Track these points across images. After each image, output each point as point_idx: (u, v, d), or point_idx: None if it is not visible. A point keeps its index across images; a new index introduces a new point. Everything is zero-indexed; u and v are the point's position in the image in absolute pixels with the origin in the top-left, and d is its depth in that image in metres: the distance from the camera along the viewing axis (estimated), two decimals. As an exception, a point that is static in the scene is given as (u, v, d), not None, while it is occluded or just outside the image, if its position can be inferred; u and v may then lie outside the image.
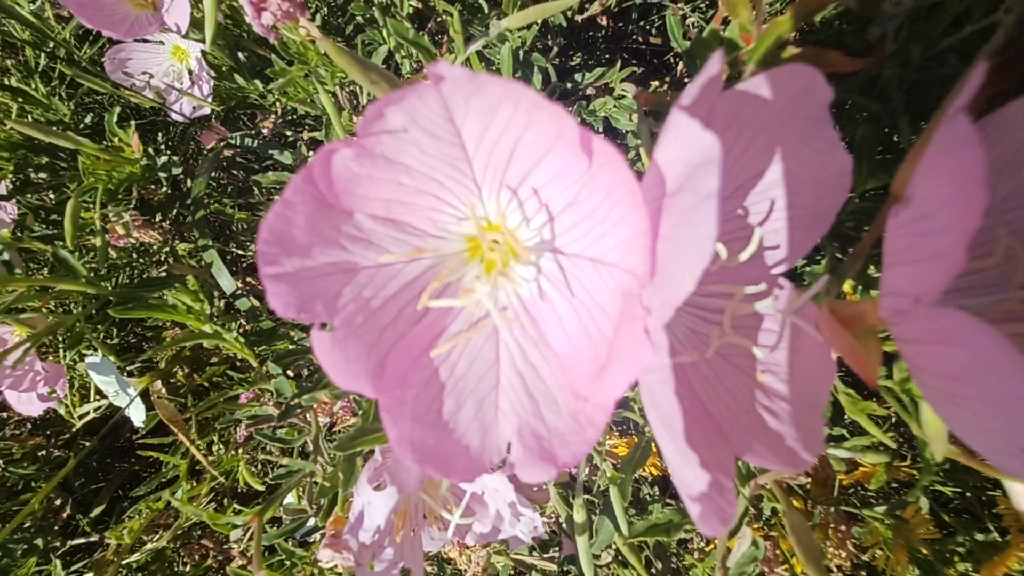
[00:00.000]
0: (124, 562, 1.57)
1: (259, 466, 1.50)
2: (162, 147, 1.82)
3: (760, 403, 0.50)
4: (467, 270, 0.49)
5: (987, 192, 0.30)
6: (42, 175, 1.61)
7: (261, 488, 0.99)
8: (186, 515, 1.02)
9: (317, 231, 0.40)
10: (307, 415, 0.82)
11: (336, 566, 0.72)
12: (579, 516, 0.76)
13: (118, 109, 1.18)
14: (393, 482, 0.56)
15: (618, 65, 1.12)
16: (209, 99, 1.51)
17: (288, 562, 0.96)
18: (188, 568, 1.33)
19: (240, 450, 1.30)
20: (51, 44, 1.55)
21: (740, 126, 0.44)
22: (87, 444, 2.06)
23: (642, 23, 1.70)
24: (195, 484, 1.32)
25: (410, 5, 1.13)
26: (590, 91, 1.20)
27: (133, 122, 1.24)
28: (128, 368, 1.68)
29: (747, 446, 0.47)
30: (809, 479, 1.29)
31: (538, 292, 0.47)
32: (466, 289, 0.45)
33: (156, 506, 1.14)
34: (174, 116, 1.56)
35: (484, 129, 0.38)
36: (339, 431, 1.11)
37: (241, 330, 1.01)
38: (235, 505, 1.36)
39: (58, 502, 1.95)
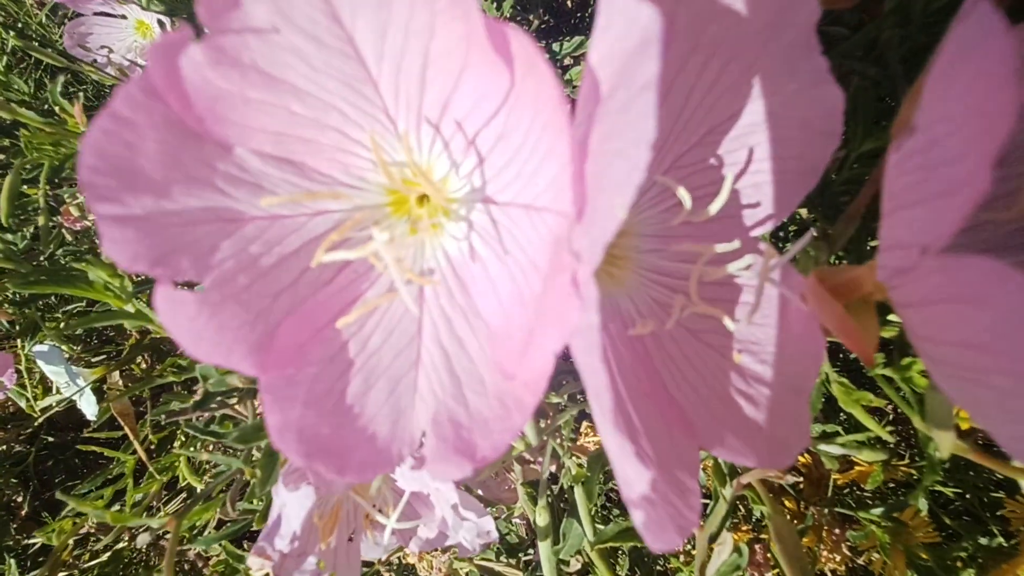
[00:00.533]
0: (87, 565, 1.49)
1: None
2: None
3: (736, 388, 0.42)
4: (387, 225, 0.41)
5: (1020, 91, 0.22)
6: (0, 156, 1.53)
7: (202, 487, 0.91)
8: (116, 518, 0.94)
9: (178, 165, 0.32)
10: (247, 405, 0.74)
11: (268, 574, 0.64)
12: (542, 520, 0.68)
13: (62, 78, 1.09)
14: (314, 481, 0.49)
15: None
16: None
17: (232, 565, 0.88)
18: (141, 570, 1.25)
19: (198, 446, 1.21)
20: (20, 25, 1.48)
21: (708, 49, 0.37)
22: (49, 439, 1.98)
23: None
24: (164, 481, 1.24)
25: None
26: (568, 61, 1.12)
27: (82, 94, 1.17)
28: (94, 359, 1.60)
29: (717, 438, 0.39)
30: (802, 478, 1.22)
31: (469, 252, 0.39)
32: (363, 241, 0.37)
33: (97, 504, 1.06)
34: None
35: (382, 33, 0.30)
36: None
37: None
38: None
39: (18, 499, 1.87)
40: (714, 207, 0.38)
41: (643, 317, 0.43)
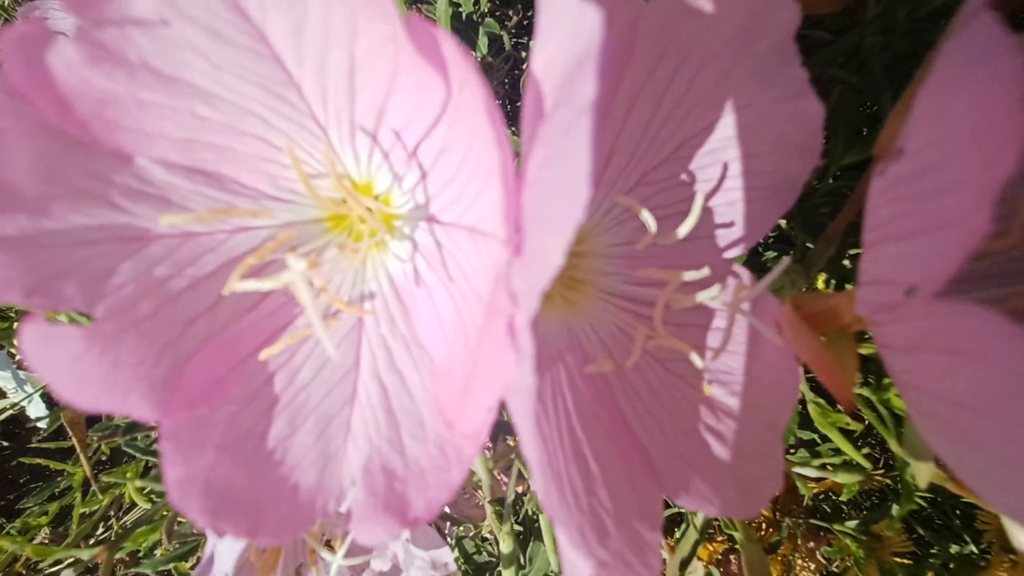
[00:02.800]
0: (49, 571, 1.42)
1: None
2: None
3: (705, 423, 0.39)
4: (324, 243, 0.37)
5: (1031, 118, 0.19)
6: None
7: (148, 507, 0.86)
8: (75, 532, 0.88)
9: (59, 178, 0.27)
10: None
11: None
12: (506, 546, 0.65)
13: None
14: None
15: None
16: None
17: (180, 591, 0.83)
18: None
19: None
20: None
21: (678, 55, 0.33)
22: (5, 444, 1.89)
23: None
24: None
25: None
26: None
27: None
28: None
29: (683, 483, 0.35)
30: (778, 488, 1.20)
31: (413, 275, 0.35)
32: (280, 267, 0.32)
33: (40, 521, 1.00)
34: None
35: (298, 30, 0.26)
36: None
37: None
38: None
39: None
40: (683, 230, 0.34)
41: (606, 347, 0.39)
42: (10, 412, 1.34)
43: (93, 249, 0.29)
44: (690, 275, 0.34)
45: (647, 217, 0.33)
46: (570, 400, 0.35)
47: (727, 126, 0.37)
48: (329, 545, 0.55)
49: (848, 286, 0.68)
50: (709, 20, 0.31)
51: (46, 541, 1.43)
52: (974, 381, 0.21)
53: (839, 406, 0.72)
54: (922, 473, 0.47)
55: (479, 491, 0.87)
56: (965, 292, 0.37)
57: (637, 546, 0.30)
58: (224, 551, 0.45)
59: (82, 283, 0.29)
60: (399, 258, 0.36)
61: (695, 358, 0.34)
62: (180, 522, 0.67)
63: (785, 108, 0.36)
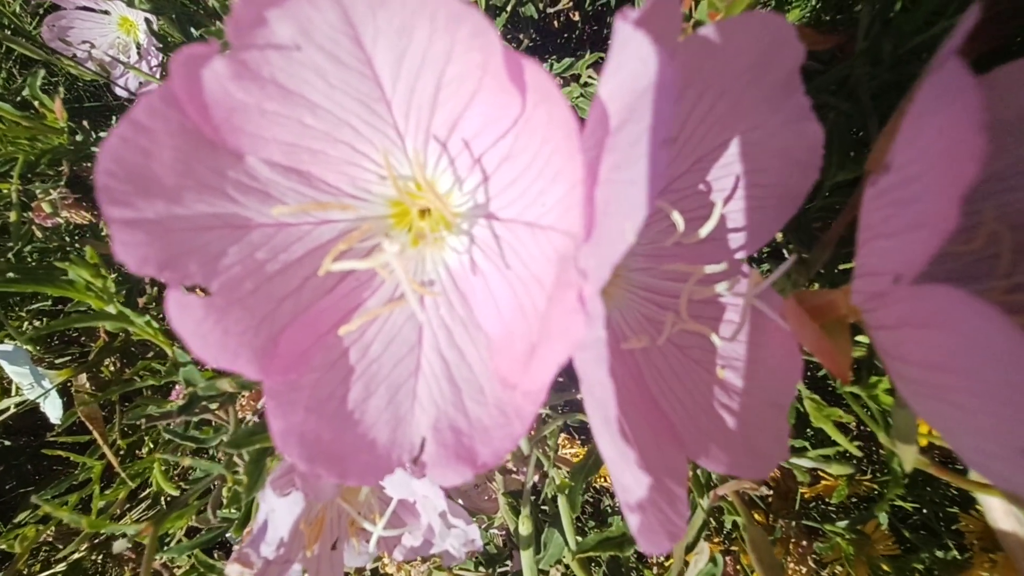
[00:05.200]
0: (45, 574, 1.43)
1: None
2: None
3: (720, 401, 0.44)
4: (391, 237, 0.42)
5: (986, 139, 0.25)
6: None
7: (176, 493, 0.89)
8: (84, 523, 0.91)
9: (191, 172, 0.33)
10: (228, 410, 0.73)
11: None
12: (525, 529, 0.69)
13: (42, 72, 1.07)
14: (303, 487, 0.49)
15: (587, 55, 1.08)
16: (157, 74, 1.41)
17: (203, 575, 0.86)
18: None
19: (170, 451, 1.18)
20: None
21: (702, 85, 0.39)
22: (7, 443, 1.90)
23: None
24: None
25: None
26: (558, 81, 1.16)
27: (62, 88, 1.14)
28: (57, 360, 1.55)
29: (703, 449, 0.41)
30: (771, 492, 1.26)
31: (470, 264, 0.41)
32: (377, 252, 0.38)
33: (61, 512, 1.02)
34: (119, 91, 1.46)
35: (400, 57, 0.32)
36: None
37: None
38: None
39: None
40: (704, 230, 0.40)
41: (633, 332, 0.44)
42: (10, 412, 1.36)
43: (210, 233, 0.35)
44: (710, 268, 0.40)
45: (677, 218, 0.38)
46: (606, 375, 0.40)
47: (740, 143, 0.43)
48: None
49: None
50: (728, 57, 0.38)
51: (50, 538, 1.44)
52: (944, 346, 0.27)
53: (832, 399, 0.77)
54: (908, 457, 0.53)
55: (492, 483, 0.92)
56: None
57: (668, 497, 0.35)
58: (279, 520, 0.50)
59: (201, 262, 0.34)
60: (456, 250, 0.42)
61: (715, 338, 0.40)
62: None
63: (790, 129, 0.42)
